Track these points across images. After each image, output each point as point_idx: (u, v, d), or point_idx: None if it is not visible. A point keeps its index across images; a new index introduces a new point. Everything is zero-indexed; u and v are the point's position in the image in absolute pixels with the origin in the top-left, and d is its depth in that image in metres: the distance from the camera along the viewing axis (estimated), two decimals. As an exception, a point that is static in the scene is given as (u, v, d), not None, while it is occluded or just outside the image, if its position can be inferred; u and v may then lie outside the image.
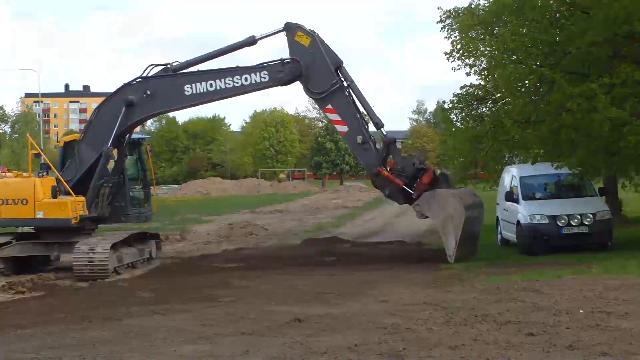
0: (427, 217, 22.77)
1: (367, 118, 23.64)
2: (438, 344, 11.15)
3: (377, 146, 23.48)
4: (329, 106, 23.30)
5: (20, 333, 13.61)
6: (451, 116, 29.77)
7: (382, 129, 23.48)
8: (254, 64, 23.67)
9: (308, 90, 23.43)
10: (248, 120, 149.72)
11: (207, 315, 14.71)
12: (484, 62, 28.54)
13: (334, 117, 23.42)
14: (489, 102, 29.10)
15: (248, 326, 13.25)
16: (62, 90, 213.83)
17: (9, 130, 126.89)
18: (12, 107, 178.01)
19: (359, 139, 22.99)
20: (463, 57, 29.18)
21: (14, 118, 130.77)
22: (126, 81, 24.21)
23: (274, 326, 13.11)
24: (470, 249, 22.98)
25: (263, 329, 12.92)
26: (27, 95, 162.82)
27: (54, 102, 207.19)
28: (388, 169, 22.96)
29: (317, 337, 11.94)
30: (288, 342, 11.66)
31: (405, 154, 24.10)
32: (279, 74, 23.31)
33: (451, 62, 29.55)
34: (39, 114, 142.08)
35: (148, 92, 23.65)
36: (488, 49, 27.72)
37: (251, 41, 24.09)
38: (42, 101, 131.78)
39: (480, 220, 23.84)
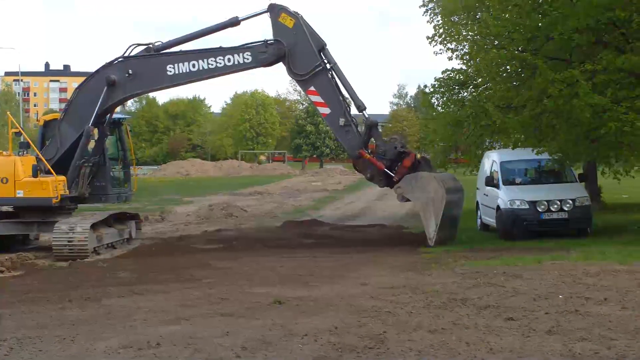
0: (408, 199, 22.80)
1: (349, 101, 23.64)
2: (418, 327, 11.17)
3: (359, 129, 23.50)
4: (312, 88, 23.27)
5: (-1, 312, 13.58)
6: (432, 100, 29.80)
7: (364, 111, 23.45)
8: (237, 44, 23.61)
9: (291, 71, 23.38)
10: (229, 101, 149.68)
11: (187, 296, 14.70)
12: (466, 47, 28.56)
13: (316, 99, 23.38)
14: (471, 86, 29.12)
15: (228, 308, 13.25)
16: (43, 69, 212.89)
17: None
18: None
19: (341, 121, 22.99)
20: (445, 42, 29.19)
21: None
22: (108, 60, 24.14)
23: (254, 308, 13.11)
24: (450, 232, 23.03)
25: (243, 310, 12.92)
26: (7, 74, 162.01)
27: (34, 81, 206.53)
28: (369, 151, 22.99)
29: (297, 320, 11.94)
30: (268, 324, 11.66)
31: (387, 138, 24.08)
32: (262, 54, 23.24)
33: (433, 46, 29.58)
34: (19, 93, 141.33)
35: (130, 72, 23.54)
36: (470, 33, 27.75)
37: (234, 22, 23.94)
38: (22, 80, 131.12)
39: (460, 204, 23.87)
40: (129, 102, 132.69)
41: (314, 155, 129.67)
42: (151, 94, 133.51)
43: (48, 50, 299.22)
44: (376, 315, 12.18)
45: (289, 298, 13.89)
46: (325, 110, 23.32)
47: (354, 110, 23.75)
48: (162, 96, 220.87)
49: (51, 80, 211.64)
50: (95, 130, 24.05)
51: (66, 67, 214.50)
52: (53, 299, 14.81)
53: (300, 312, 12.67)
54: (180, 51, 24.09)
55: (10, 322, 12.52)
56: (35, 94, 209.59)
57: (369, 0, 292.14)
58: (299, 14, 23.24)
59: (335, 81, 23.28)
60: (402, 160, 22.68)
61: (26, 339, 11.13)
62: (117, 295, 15.09)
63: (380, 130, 25.12)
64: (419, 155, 24.01)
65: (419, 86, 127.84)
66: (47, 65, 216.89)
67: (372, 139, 23.43)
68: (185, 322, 12.12)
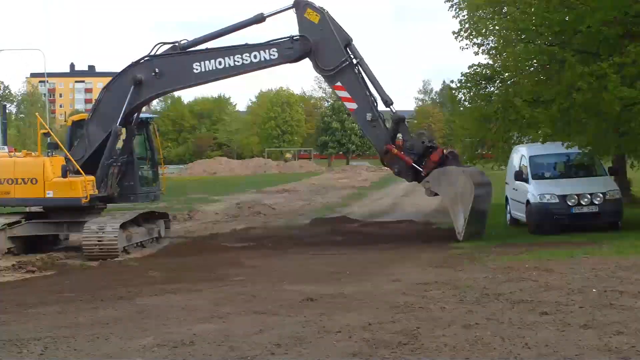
0: (436, 194, 22.79)
1: (376, 96, 23.58)
2: (452, 322, 11.11)
3: (386, 124, 23.46)
4: (338, 83, 23.29)
5: (33, 312, 13.59)
6: (459, 96, 29.70)
7: (391, 106, 23.39)
8: (262, 41, 23.60)
9: (317, 67, 23.40)
10: (254, 99, 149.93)
11: (219, 294, 14.69)
12: (493, 42, 28.45)
13: (343, 94, 23.40)
14: (498, 81, 28.98)
15: (261, 305, 13.21)
16: (68, 70, 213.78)
17: (15, 110, 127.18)
18: (18, 87, 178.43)
19: (369, 116, 22.99)
20: (471, 37, 29.08)
21: (20, 98, 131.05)
22: (134, 60, 24.19)
23: (286, 305, 13.07)
24: (479, 227, 22.94)
25: (276, 308, 12.88)
26: (33, 75, 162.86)
27: (59, 82, 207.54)
28: (397, 146, 22.96)
29: (330, 316, 11.89)
30: (302, 321, 11.62)
31: (415, 133, 24.05)
32: (288, 50, 23.26)
33: (459, 41, 29.49)
34: (45, 94, 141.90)
35: (157, 71, 23.60)
36: (497, 27, 27.63)
37: (260, 18, 23.97)
38: (47, 81, 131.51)
39: (488, 198, 23.77)
40: (154, 102, 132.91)
41: (340, 152, 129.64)
42: (176, 93, 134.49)
43: (73, 51, 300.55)
44: (409, 311, 12.12)
45: (321, 295, 13.84)
46: (352, 106, 23.32)
47: (381, 106, 23.69)
48: (188, 95, 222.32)
49: (76, 81, 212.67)
50: (123, 130, 24.12)
51: (91, 67, 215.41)
52: (85, 299, 14.83)
53: (332, 309, 12.61)
54: (206, 49, 24.12)
55: (45, 322, 12.55)
56: (60, 95, 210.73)
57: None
58: (324, 10, 23.25)
59: (362, 76, 23.27)
60: (429, 154, 22.67)
61: (60, 338, 11.13)
62: (149, 294, 15.09)
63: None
64: (446, 150, 23.96)
65: (444, 82, 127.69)
66: (72, 66, 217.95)
67: (399, 134, 23.40)
68: (219, 320, 12.09)
